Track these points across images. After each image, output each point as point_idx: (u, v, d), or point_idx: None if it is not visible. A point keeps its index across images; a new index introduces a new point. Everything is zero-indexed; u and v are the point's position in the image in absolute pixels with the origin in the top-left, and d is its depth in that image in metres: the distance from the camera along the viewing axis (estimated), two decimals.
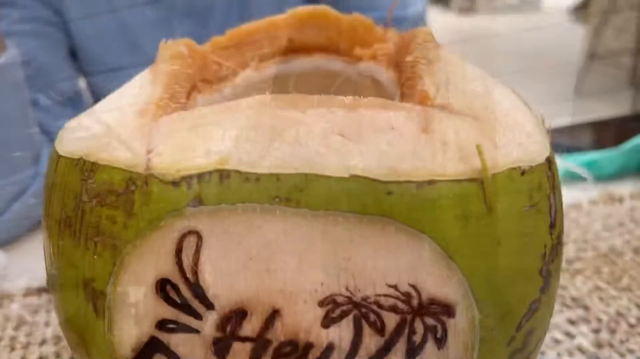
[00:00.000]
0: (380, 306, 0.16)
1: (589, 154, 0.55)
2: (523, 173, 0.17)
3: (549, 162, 0.18)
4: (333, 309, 0.16)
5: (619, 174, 0.56)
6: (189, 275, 0.16)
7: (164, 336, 0.17)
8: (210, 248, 0.16)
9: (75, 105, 0.55)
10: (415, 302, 0.16)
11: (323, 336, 0.17)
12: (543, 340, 0.20)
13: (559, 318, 0.36)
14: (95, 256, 0.17)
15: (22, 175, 0.45)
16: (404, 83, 0.19)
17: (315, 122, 0.16)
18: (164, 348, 0.17)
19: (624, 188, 0.53)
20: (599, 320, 0.36)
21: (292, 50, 0.26)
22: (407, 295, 0.16)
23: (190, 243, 0.16)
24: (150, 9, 0.58)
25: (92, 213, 0.17)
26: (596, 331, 0.35)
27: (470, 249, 0.16)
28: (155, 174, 0.16)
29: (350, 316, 0.16)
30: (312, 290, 0.16)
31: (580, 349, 0.34)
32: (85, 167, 0.17)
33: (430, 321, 0.16)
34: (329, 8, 0.26)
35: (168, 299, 0.17)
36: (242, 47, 0.26)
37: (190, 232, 0.16)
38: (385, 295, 0.16)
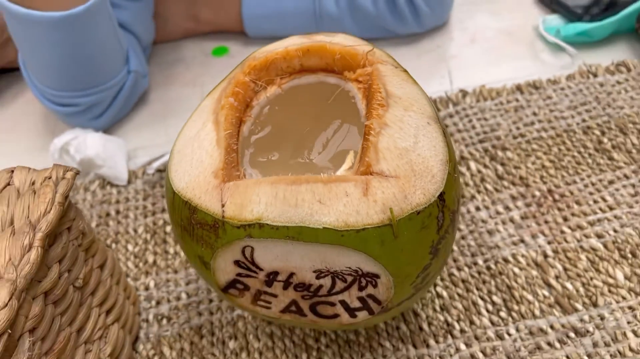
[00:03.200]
0: (343, 273, 0.33)
1: (584, 24, 0.62)
2: (418, 213, 0.31)
3: (441, 195, 0.32)
4: (320, 274, 0.33)
5: (611, 37, 0.63)
6: (248, 260, 0.33)
7: (240, 279, 0.34)
8: (257, 251, 0.32)
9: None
10: (361, 272, 0.32)
11: (317, 281, 0.33)
12: (440, 273, 0.37)
13: (505, 194, 0.52)
14: (202, 249, 0.33)
15: (119, 76, 0.59)
16: (363, 143, 0.32)
17: (306, 193, 0.31)
18: (240, 283, 0.35)
19: (605, 60, 0.62)
20: (533, 196, 0.51)
21: (302, 70, 0.38)
22: (356, 271, 0.32)
23: (248, 250, 0.32)
24: None
25: (197, 231, 0.33)
26: (528, 205, 0.51)
27: (385, 255, 0.31)
28: (227, 221, 0.31)
29: (329, 276, 0.33)
30: (309, 266, 0.32)
31: (511, 221, 0.50)
32: (190, 208, 0.32)
33: (368, 279, 0.33)
34: (327, 44, 0.36)
35: (240, 266, 0.33)
36: (269, 69, 0.37)
37: (247, 246, 0.32)
38: (344, 270, 0.32)
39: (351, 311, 0.36)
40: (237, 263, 0.33)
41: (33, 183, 0.36)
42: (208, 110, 0.36)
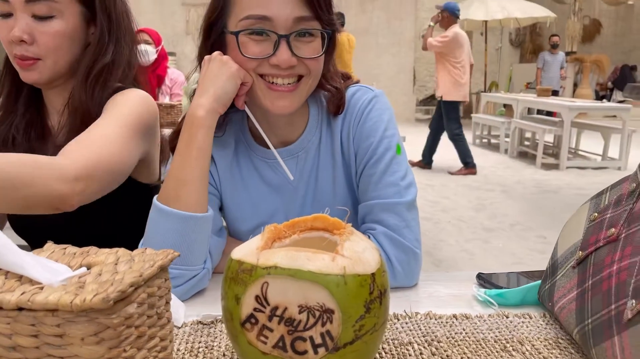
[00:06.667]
0: (314, 308, 0.57)
1: (502, 290, 0.92)
2: (359, 275, 0.57)
3: (373, 274, 0.59)
4: (302, 308, 0.57)
5: (522, 304, 0.91)
6: (263, 294, 0.58)
7: (254, 313, 0.58)
8: (270, 286, 0.57)
9: (221, 234, 1.00)
10: (324, 308, 0.56)
11: (299, 316, 0.57)
12: (375, 333, 0.59)
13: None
14: (240, 287, 0.59)
15: (198, 266, 0.90)
16: (338, 246, 0.61)
17: (302, 255, 0.58)
18: (254, 317, 0.58)
19: (516, 311, 0.88)
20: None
21: (312, 229, 0.69)
22: (321, 306, 0.56)
23: (264, 285, 0.58)
24: (268, 190, 1.05)
25: (240, 275, 0.59)
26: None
27: (339, 294, 0.56)
28: (259, 265, 0.58)
29: (306, 311, 0.57)
30: (296, 301, 0.57)
31: None
32: (240, 263, 0.60)
33: (327, 315, 0.56)
34: (327, 215, 0.69)
35: (257, 301, 0.58)
36: (294, 226, 0.69)
37: (265, 281, 0.58)
38: (315, 306, 0.57)
39: (315, 348, 0.57)
40: (256, 298, 0.58)
41: (155, 253, 0.64)
42: (258, 238, 0.67)
